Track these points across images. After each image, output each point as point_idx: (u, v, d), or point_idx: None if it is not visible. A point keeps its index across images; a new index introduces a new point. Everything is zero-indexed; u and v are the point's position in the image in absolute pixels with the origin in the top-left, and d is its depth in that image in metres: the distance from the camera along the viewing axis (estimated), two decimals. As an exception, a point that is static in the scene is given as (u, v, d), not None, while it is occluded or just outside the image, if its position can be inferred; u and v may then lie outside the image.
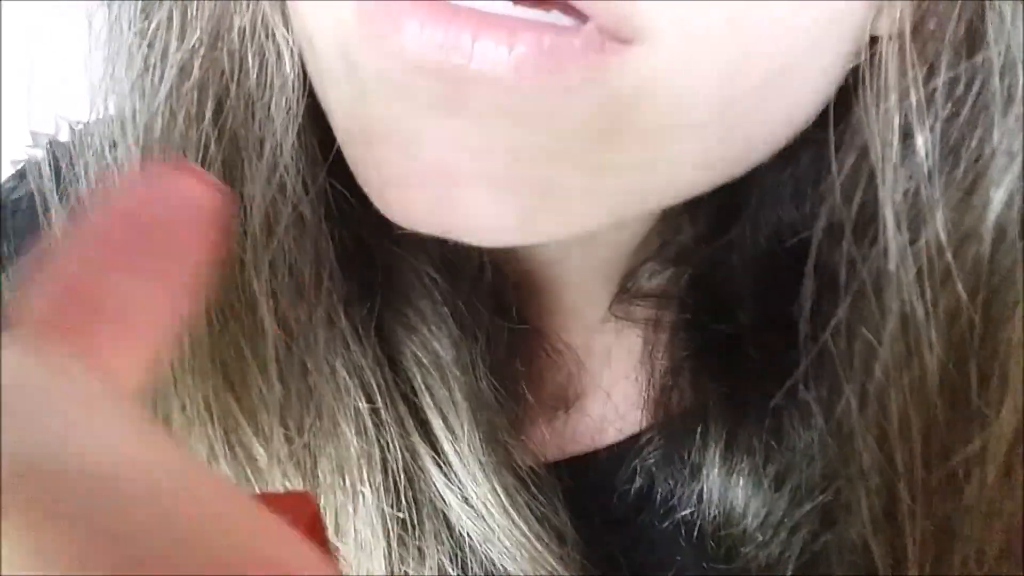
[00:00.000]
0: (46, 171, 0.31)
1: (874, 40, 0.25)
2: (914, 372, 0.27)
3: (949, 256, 0.26)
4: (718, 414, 0.34)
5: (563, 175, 0.24)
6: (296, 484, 0.30)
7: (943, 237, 0.26)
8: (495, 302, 0.34)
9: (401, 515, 0.31)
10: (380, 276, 0.32)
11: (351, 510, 0.31)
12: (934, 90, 0.25)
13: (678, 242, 0.36)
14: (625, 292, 0.36)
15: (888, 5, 0.24)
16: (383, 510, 0.31)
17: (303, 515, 0.16)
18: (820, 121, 0.27)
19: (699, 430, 0.34)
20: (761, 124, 0.25)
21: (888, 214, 0.26)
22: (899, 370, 0.27)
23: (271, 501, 0.17)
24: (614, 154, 0.24)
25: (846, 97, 0.26)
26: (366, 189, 0.26)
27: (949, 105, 0.25)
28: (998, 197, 0.25)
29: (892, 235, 0.26)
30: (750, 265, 0.34)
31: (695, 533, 0.35)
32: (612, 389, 0.37)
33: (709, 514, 0.35)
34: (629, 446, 0.36)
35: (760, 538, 0.34)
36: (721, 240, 0.35)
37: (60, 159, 0.31)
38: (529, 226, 0.24)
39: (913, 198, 0.26)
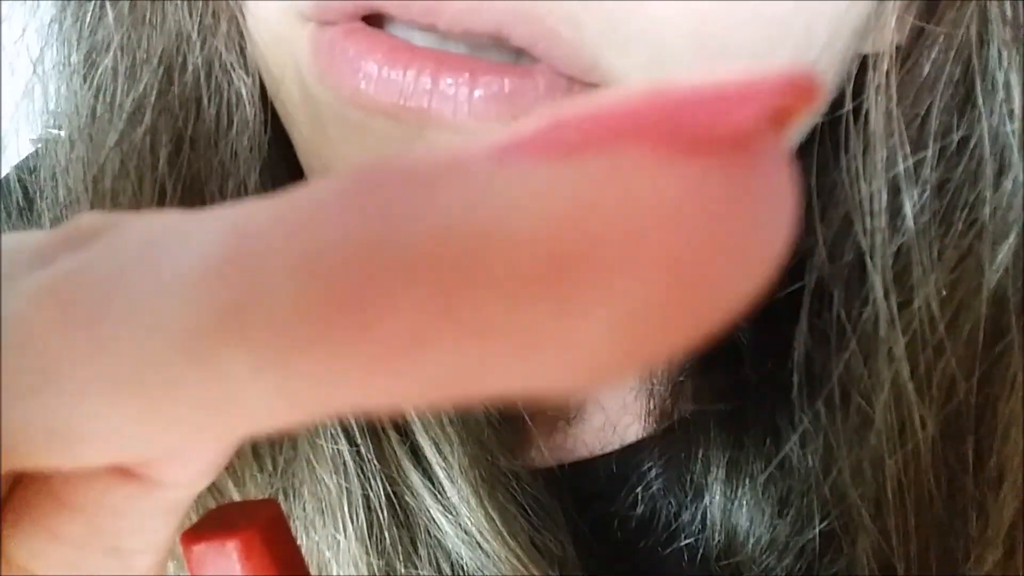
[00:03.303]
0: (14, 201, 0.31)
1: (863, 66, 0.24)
2: (908, 446, 0.26)
3: (942, 329, 0.24)
4: (719, 434, 0.34)
5: None
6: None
7: (935, 308, 0.24)
8: None
9: (387, 551, 0.31)
10: None
11: (332, 553, 0.30)
12: (923, 150, 0.24)
13: None
14: None
15: (876, 27, 0.23)
16: (366, 547, 0.30)
17: (260, 518, 0.15)
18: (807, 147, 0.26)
19: (700, 451, 0.34)
20: None
21: (876, 280, 0.25)
22: (893, 443, 0.26)
23: (233, 507, 0.16)
24: None
25: (835, 146, 0.25)
26: None
27: (940, 168, 0.24)
28: (994, 267, 0.24)
29: (880, 299, 0.25)
30: None
31: (698, 558, 0.34)
32: (611, 405, 0.36)
33: (713, 539, 0.34)
34: (630, 465, 0.35)
35: (765, 562, 0.33)
36: None
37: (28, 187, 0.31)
38: None
39: (904, 261, 0.25)
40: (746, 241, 0.08)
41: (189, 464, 0.14)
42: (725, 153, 0.08)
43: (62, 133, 0.27)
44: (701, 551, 0.34)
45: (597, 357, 0.08)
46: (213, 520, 0.15)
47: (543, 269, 0.08)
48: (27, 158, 0.32)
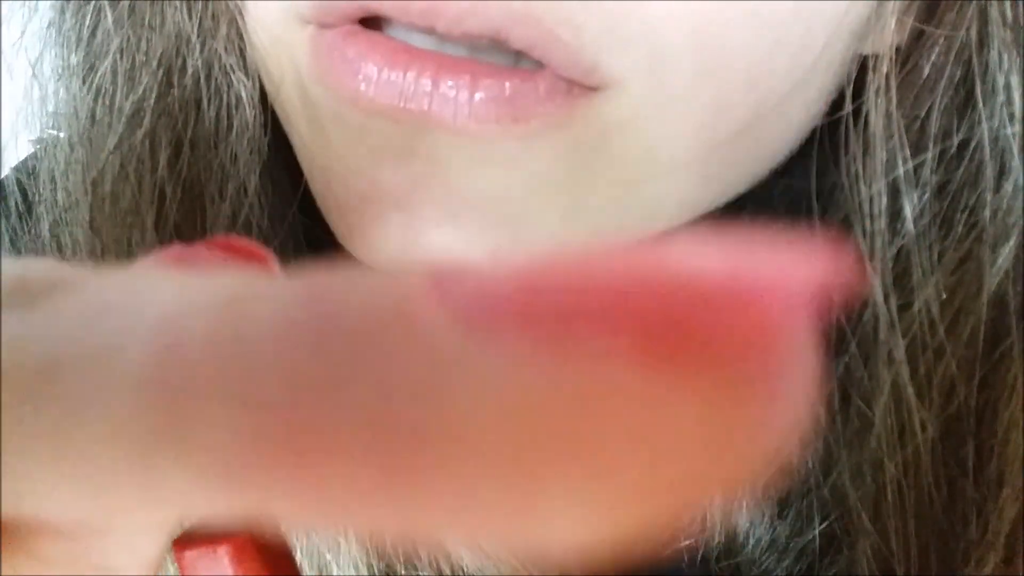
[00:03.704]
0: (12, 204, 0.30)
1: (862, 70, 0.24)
2: (908, 449, 0.26)
3: (942, 332, 0.24)
4: None
5: (533, 215, 0.23)
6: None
7: (935, 311, 0.24)
8: None
9: (387, 553, 0.31)
10: None
11: (332, 555, 0.30)
12: (923, 153, 0.24)
13: None
14: None
15: (875, 28, 0.23)
16: (367, 548, 0.30)
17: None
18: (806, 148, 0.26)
19: None
20: (742, 164, 0.25)
21: (876, 282, 0.25)
22: (892, 445, 0.26)
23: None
24: (585, 195, 0.23)
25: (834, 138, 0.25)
26: (331, 225, 0.25)
27: (940, 170, 0.24)
28: (994, 270, 0.24)
29: (880, 302, 0.25)
30: None
31: (698, 559, 0.34)
32: None
33: (713, 540, 0.34)
34: None
35: (765, 563, 0.33)
36: None
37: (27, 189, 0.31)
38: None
39: (904, 263, 0.25)
40: (741, 458, 0.07)
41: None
42: (735, 365, 0.07)
43: (61, 134, 0.27)
44: (701, 552, 0.34)
45: (561, 539, 0.08)
46: (205, 525, 0.15)
47: (508, 462, 0.07)
48: (26, 160, 0.32)
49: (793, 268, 0.07)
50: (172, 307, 0.09)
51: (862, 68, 0.24)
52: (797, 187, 0.29)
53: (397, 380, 0.08)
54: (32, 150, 0.31)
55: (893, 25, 0.23)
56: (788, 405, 0.08)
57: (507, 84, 0.21)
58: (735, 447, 0.07)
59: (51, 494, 0.09)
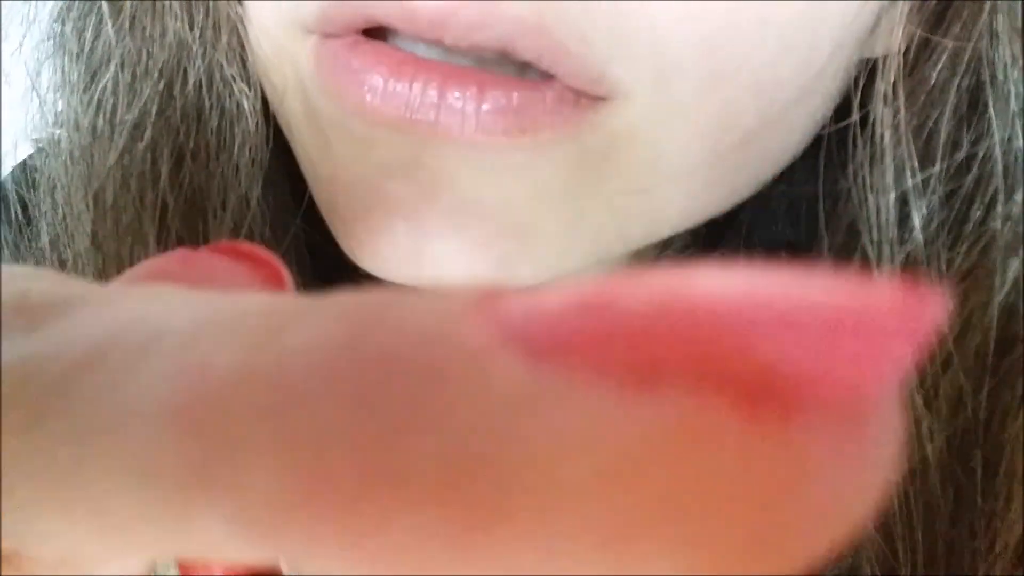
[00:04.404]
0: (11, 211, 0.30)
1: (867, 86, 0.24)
2: (915, 459, 0.26)
3: (950, 342, 0.24)
4: None
5: (540, 224, 0.23)
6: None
7: (943, 322, 0.24)
8: None
9: None
10: None
11: None
12: (931, 160, 0.24)
13: (671, 255, 0.35)
14: None
15: (882, 34, 0.23)
16: None
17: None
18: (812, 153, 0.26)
19: None
20: (747, 170, 0.24)
21: None
22: (899, 456, 0.26)
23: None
24: (591, 204, 0.23)
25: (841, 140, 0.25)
26: (335, 235, 0.25)
27: (949, 179, 0.24)
28: (1004, 280, 0.24)
29: None
30: None
31: None
32: None
33: None
34: None
35: None
36: (712, 255, 0.33)
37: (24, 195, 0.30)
38: (504, 273, 0.23)
39: (912, 271, 0.24)
40: (833, 514, 0.07)
41: None
42: (830, 413, 0.07)
43: (60, 132, 0.27)
44: None
45: None
46: None
47: (599, 525, 0.07)
48: (24, 167, 0.31)
49: (892, 308, 0.07)
50: (194, 329, 0.08)
51: (870, 76, 0.24)
52: (797, 193, 0.29)
53: (467, 421, 0.07)
54: (33, 150, 0.31)
55: (901, 34, 0.23)
56: (886, 454, 0.07)
57: (514, 95, 0.21)
58: (847, 499, 0.07)
59: (58, 533, 0.08)
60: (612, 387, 0.07)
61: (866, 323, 0.07)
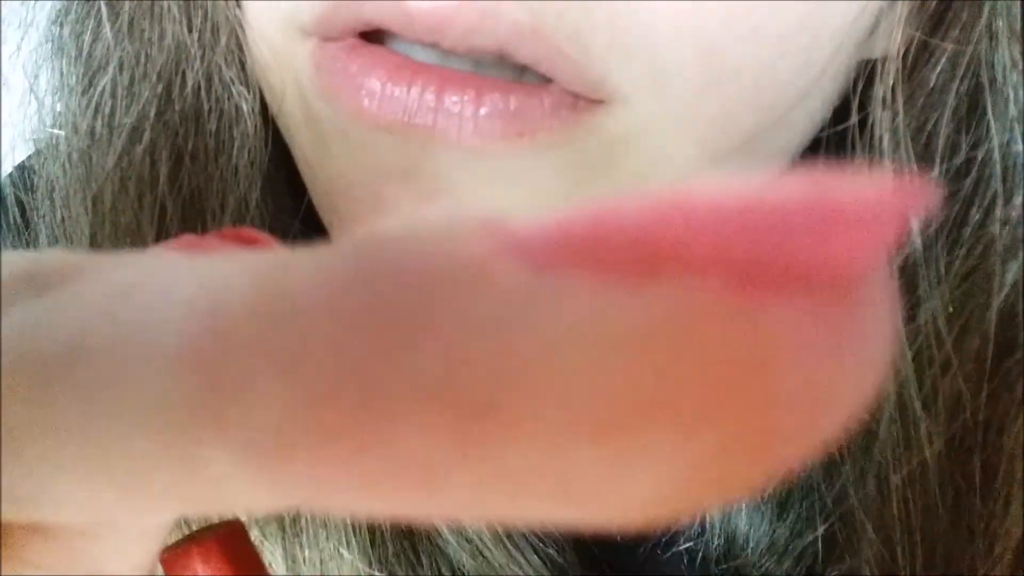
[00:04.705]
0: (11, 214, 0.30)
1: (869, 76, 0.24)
2: (914, 462, 0.26)
3: (949, 345, 0.24)
4: None
5: None
6: (272, 534, 0.29)
7: (942, 324, 0.24)
8: None
9: (389, 560, 0.31)
10: None
11: (335, 564, 0.30)
12: (930, 164, 0.24)
13: None
14: None
15: (881, 36, 0.23)
16: (369, 559, 0.30)
17: (221, 531, 0.15)
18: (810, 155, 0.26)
19: None
20: (747, 172, 0.24)
21: None
22: (898, 458, 0.26)
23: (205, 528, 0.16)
24: None
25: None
26: (334, 238, 0.25)
27: (948, 181, 0.24)
28: (1003, 283, 0.24)
29: None
30: None
31: (698, 561, 0.34)
32: None
33: (712, 542, 0.34)
34: None
35: (765, 566, 0.33)
36: None
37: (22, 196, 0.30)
38: None
39: (910, 275, 0.24)
40: (832, 394, 0.07)
41: None
42: (820, 293, 0.07)
43: (61, 135, 0.27)
44: (701, 554, 0.34)
45: (646, 508, 0.07)
46: (188, 538, 0.16)
47: (594, 414, 0.07)
48: (23, 169, 0.31)
49: (877, 195, 0.07)
50: (204, 279, 0.08)
51: (869, 79, 0.24)
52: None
53: (468, 333, 0.07)
54: (32, 151, 0.31)
55: (899, 37, 0.23)
56: (879, 339, 0.07)
57: (512, 99, 0.21)
58: (844, 375, 0.07)
59: (71, 493, 0.09)
60: (610, 282, 0.07)
61: (853, 210, 0.07)
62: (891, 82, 0.23)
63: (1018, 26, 0.22)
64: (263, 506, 0.08)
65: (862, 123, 0.24)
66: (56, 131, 0.28)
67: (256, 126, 0.26)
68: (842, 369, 0.07)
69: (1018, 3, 0.22)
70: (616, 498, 0.07)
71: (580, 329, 0.07)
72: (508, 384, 0.07)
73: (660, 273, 0.07)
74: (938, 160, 0.24)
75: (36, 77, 0.27)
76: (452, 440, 0.07)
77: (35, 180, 0.29)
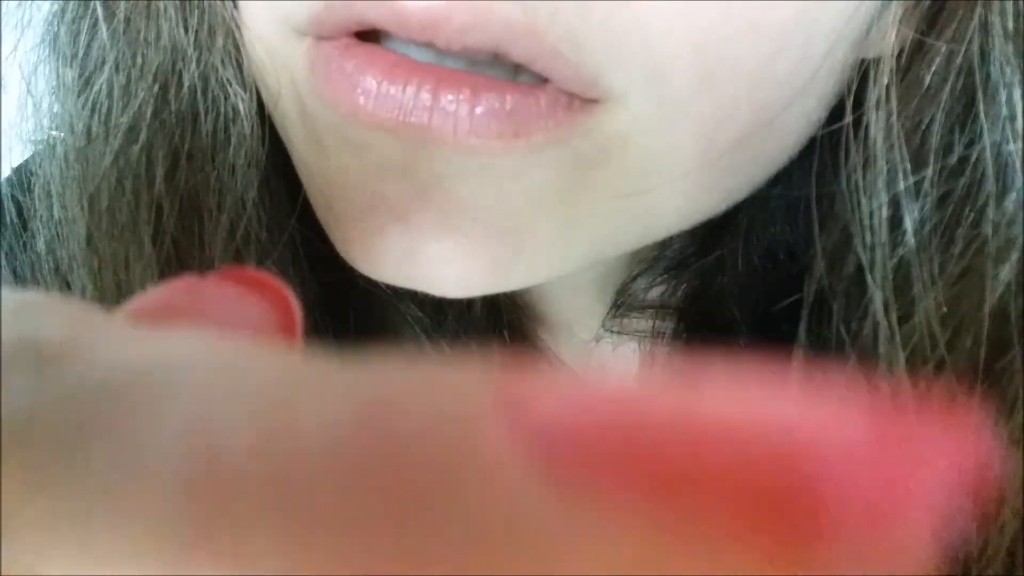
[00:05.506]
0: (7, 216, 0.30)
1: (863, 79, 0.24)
2: None
3: (943, 345, 0.24)
4: None
5: (534, 226, 0.23)
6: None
7: (935, 324, 0.24)
8: (485, 323, 0.33)
9: None
10: (356, 320, 0.31)
11: None
12: (924, 164, 0.24)
13: (670, 255, 0.35)
14: (619, 306, 0.35)
15: (876, 36, 0.23)
16: None
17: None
18: (805, 156, 0.26)
19: None
20: (742, 172, 0.24)
21: (876, 294, 0.24)
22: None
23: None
24: (585, 207, 0.23)
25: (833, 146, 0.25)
26: (330, 237, 0.25)
27: (942, 182, 0.24)
28: (996, 283, 0.24)
29: (880, 314, 0.25)
30: (744, 282, 0.33)
31: None
32: None
33: None
34: None
35: None
36: (711, 256, 0.33)
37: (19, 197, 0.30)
38: (500, 276, 0.23)
39: (904, 275, 0.24)
40: None
41: None
42: (852, 539, 0.06)
43: (57, 136, 0.27)
44: None
45: None
46: None
47: None
48: (20, 170, 0.31)
49: (938, 440, 0.06)
50: (209, 396, 0.08)
51: (863, 78, 0.24)
52: (794, 194, 0.29)
53: (481, 535, 0.07)
54: (31, 151, 0.31)
55: (894, 36, 0.23)
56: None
57: (507, 98, 0.21)
58: None
59: (68, 567, 0.08)
60: (624, 509, 0.06)
61: (890, 452, 0.06)
62: (885, 82, 0.23)
63: (1012, 25, 0.22)
64: None
65: (856, 123, 0.24)
66: (54, 133, 0.28)
67: (253, 126, 0.26)
68: None
69: (1011, 2, 0.22)
70: None
71: (595, 563, 0.06)
72: None
73: (680, 503, 0.06)
74: (932, 160, 0.24)
75: (33, 78, 0.27)
76: None
77: (32, 181, 0.29)
